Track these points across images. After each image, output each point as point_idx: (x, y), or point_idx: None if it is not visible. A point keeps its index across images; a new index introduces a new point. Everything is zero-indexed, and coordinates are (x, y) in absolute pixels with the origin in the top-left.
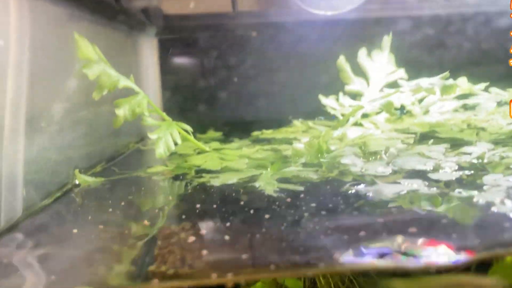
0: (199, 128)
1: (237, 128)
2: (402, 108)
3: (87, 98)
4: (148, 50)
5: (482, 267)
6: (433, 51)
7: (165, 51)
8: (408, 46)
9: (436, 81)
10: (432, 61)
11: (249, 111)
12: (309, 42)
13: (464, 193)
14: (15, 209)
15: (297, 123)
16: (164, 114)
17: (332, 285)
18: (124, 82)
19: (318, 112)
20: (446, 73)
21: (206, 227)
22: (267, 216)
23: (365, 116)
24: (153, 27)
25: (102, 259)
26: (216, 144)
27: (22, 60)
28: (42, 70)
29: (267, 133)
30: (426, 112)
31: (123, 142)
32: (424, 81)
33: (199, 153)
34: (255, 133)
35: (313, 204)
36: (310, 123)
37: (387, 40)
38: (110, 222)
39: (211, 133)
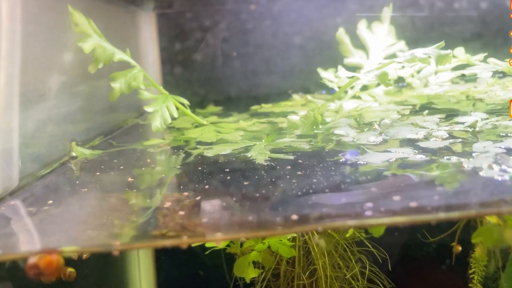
0: (199, 103)
1: (237, 102)
2: (402, 81)
3: (84, 72)
4: (147, 25)
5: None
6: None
7: (163, 25)
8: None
9: (431, 51)
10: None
11: (249, 86)
12: (311, 18)
13: (453, 160)
14: (12, 178)
15: (297, 97)
16: (161, 87)
17: (326, 253)
18: (120, 55)
19: (318, 86)
20: (442, 43)
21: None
22: (248, 182)
23: (364, 88)
24: (151, 1)
25: (91, 218)
26: (213, 118)
27: (14, 32)
28: (36, 42)
29: (266, 107)
30: (426, 84)
31: (122, 117)
32: (419, 51)
33: (196, 126)
34: (254, 107)
35: (299, 172)
36: (309, 96)
37: (387, 11)
38: (103, 188)
39: (211, 108)
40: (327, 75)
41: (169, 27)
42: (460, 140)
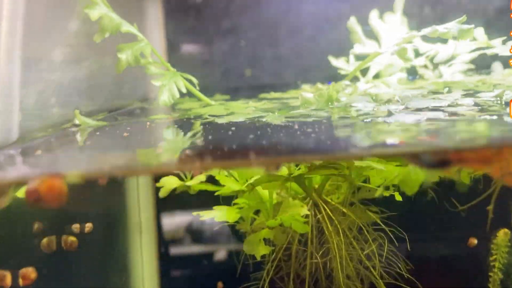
0: (206, 93)
1: (244, 92)
2: (414, 74)
3: (90, 43)
4: (153, 15)
5: None
6: None
7: (171, 15)
8: None
9: (451, 25)
10: None
11: (258, 76)
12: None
13: (489, 118)
14: (11, 132)
15: (306, 86)
16: (168, 64)
17: (341, 233)
18: (127, 27)
19: (328, 78)
20: (463, 17)
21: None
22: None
23: (376, 77)
24: None
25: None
26: (221, 101)
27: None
28: (38, 12)
29: (275, 95)
30: (439, 76)
31: (127, 100)
32: (440, 27)
33: (204, 107)
34: (263, 95)
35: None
36: (319, 85)
37: (399, 1)
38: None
39: (218, 96)
40: (339, 63)
41: (175, 7)
42: (488, 107)
